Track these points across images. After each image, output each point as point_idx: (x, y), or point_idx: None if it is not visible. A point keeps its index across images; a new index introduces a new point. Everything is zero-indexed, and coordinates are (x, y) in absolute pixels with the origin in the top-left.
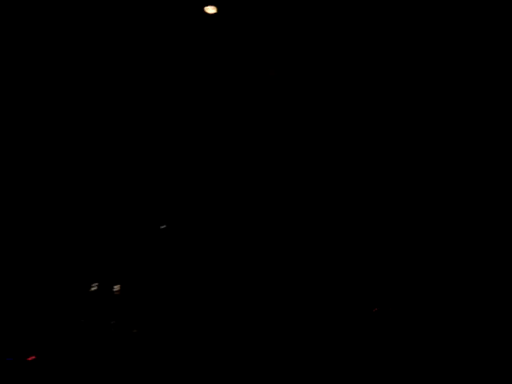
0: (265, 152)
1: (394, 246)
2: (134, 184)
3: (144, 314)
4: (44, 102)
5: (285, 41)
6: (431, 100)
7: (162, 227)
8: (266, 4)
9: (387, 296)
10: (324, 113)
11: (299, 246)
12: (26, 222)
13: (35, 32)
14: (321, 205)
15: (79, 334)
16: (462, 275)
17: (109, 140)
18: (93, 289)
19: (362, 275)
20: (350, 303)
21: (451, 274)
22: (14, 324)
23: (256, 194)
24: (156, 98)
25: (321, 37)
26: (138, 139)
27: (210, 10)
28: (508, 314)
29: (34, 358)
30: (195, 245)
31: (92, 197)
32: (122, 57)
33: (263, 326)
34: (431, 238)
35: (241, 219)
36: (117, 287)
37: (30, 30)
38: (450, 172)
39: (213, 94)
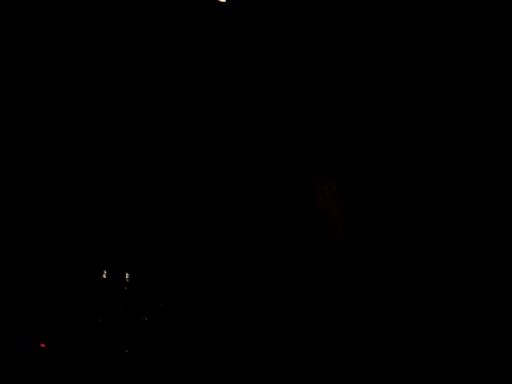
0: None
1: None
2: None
3: (154, 303)
4: (44, 101)
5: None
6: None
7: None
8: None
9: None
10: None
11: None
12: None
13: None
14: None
15: (88, 322)
16: (459, 274)
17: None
18: (102, 277)
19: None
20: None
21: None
22: (24, 312)
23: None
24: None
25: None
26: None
27: None
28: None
29: (44, 345)
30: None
31: (103, 192)
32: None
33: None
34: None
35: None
36: (127, 275)
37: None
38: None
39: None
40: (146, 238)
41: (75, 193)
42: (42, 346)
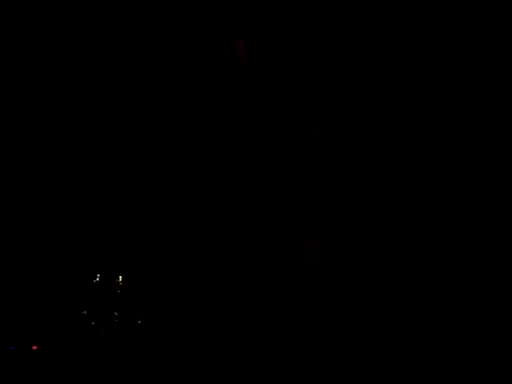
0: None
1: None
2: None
3: (147, 306)
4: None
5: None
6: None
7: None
8: None
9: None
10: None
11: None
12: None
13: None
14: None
15: (82, 324)
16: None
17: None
18: (96, 280)
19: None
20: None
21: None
22: (16, 314)
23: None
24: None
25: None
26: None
27: None
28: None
29: (36, 347)
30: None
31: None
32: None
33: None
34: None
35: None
36: (120, 278)
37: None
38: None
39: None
40: (143, 238)
41: (71, 193)
42: (34, 347)
